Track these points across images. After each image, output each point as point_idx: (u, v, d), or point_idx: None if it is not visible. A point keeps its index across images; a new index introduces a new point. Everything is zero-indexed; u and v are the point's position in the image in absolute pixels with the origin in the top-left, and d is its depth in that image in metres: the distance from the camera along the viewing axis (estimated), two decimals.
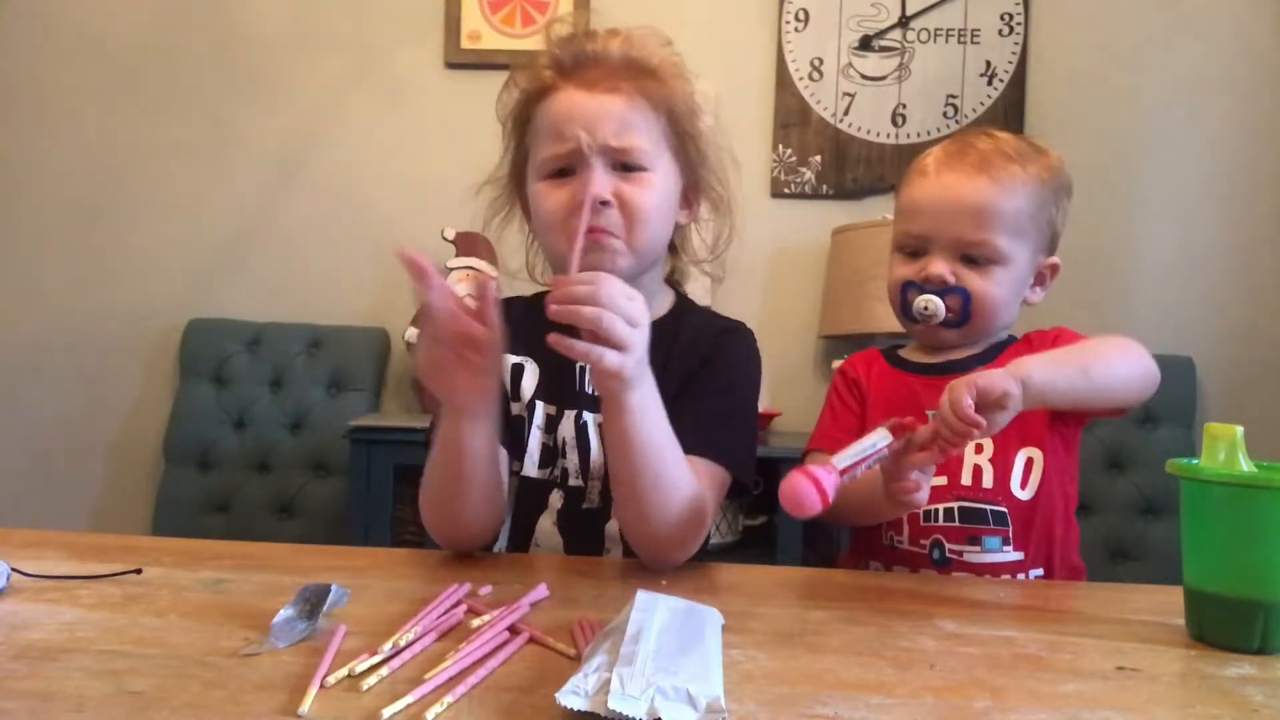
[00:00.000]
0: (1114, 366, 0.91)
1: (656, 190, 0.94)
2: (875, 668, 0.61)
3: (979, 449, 0.99)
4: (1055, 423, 1.00)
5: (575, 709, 0.51)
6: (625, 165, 0.93)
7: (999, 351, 1.04)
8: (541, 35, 1.00)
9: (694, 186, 1.01)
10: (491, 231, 1.07)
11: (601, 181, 0.91)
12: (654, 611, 0.63)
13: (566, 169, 0.93)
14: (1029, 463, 0.98)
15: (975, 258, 0.99)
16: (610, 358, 0.72)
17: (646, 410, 0.79)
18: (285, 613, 0.64)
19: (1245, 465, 0.70)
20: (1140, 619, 0.74)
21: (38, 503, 2.33)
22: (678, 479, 0.83)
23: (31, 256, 2.35)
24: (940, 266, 0.99)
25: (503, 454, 0.97)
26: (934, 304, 1.00)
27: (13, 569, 0.75)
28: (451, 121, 2.24)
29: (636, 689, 0.51)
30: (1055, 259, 1.05)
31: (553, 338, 0.73)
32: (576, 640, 0.63)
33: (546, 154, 0.94)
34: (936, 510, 0.97)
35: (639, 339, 0.74)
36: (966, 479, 0.98)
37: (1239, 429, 0.70)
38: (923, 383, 1.03)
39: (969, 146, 1.02)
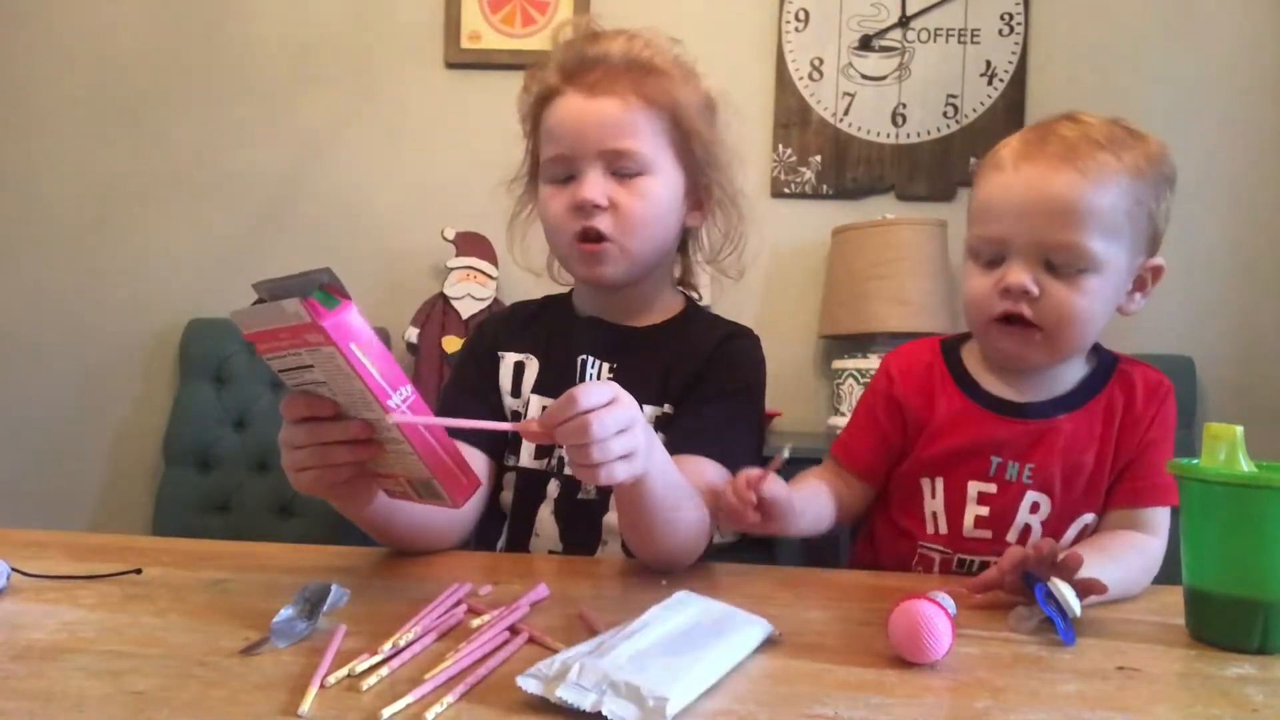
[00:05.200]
0: (1131, 590, 0.83)
1: (653, 195, 0.95)
2: (875, 668, 0.60)
3: (1035, 509, 0.92)
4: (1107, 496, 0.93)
5: (529, 691, 0.51)
6: (622, 170, 0.93)
7: (1091, 392, 0.93)
8: (548, 36, 1.01)
9: (703, 188, 1.01)
10: (518, 227, 1.07)
11: (595, 186, 0.92)
12: (681, 611, 0.63)
13: (566, 175, 0.95)
14: (1084, 529, 0.92)
15: (1060, 265, 0.85)
16: (621, 471, 0.68)
17: (654, 478, 0.75)
18: (285, 613, 0.64)
19: (1245, 465, 0.70)
20: (1140, 619, 0.74)
21: (38, 503, 2.32)
22: (685, 513, 0.82)
23: (32, 256, 2.35)
24: (1021, 274, 0.86)
25: (478, 455, 0.98)
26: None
27: (13, 569, 0.75)
28: (451, 121, 2.24)
29: (590, 680, 0.51)
30: (1158, 260, 0.91)
31: (581, 473, 0.68)
32: (591, 623, 0.65)
33: (548, 158, 0.96)
34: (974, 562, 0.93)
35: (639, 439, 0.69)
36: (1012, 537, 0.92)
37: (1239, 429, 0.70)
38: (997, 423, 0.93)
39: (1051, 133, 0.88)
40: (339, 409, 0.71)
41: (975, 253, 0.92)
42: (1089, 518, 0.93)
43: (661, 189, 0.95)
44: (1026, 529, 0.92)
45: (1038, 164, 0.86)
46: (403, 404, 0.67)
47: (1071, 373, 0.95)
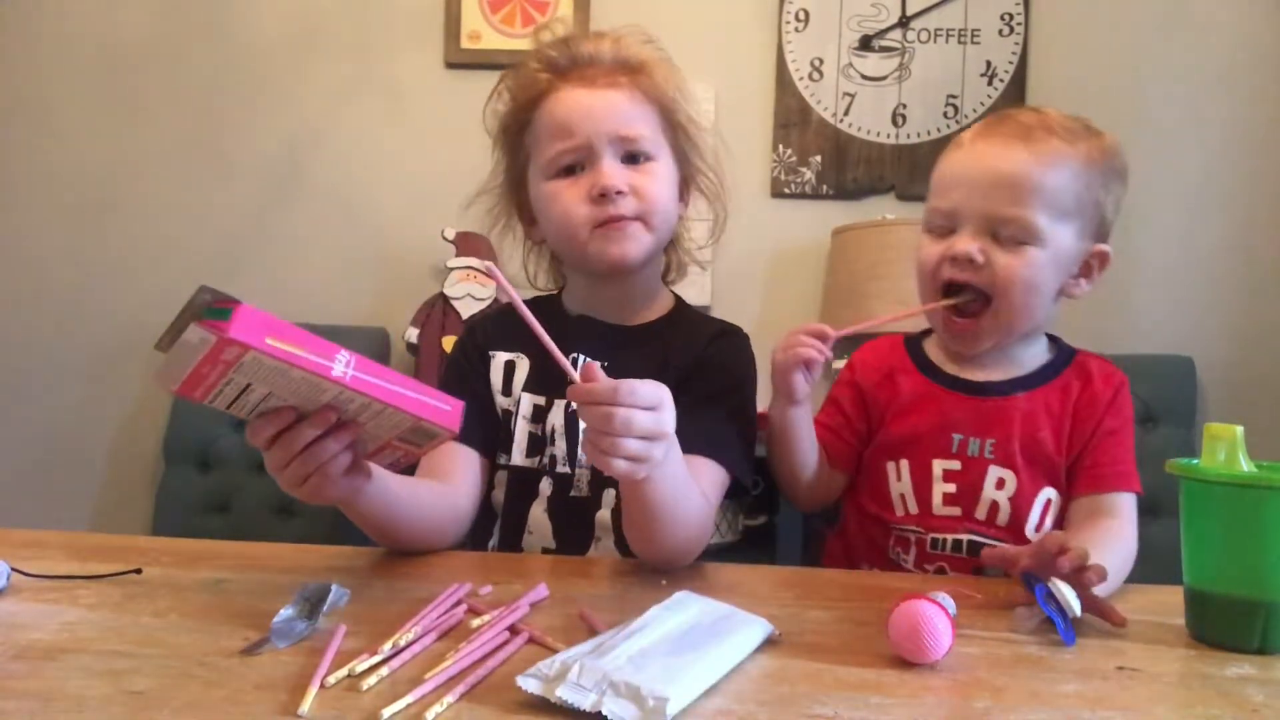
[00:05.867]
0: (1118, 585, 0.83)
1: (664, 177, 0.97)
2: (875, 668, 0.60)
3: (1000, 484, 0.94)
4: (1065, 475, 0.96)
5: (529, 691, 0.51)
6: (633, 155, 0.95)
7: (1048, 376, 0.97)
8: (531, 39, 1.03)
9: (687, 178, 1.03)
10: (492, 240, 1.08)
11: (615, 173, 0.93)
12: (681, 611, 0.63)
13: (575, 165, 0.95)
14: (1047, 504, 0.95)
15: (1006, 237, 0.90)
16: (619, 467, 0.68)
17: (660, 483, 0.75)
18: (285, 613, 0.64)
19: (1245, 465, 0.70)
20: (1140, 619, 0.74)
21: (38, 503, 2.33)
22: (690, 511, 0.82)
23: (32, 256, 2.35)
24: (968, 243, 0.90)
25: (471, 454, 0.98)
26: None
27: (13, 569, 0.75)
28: (451, 121, 2.23)
29: (590, 680, 0.51)
30: (1104, 247, 0.95)
31: (588, 449, 0.69)
32: (592, 623, 0.65)
33: (553, 152, 0.95)
34: (945, 540, 0.95)
35: (655, 451, 0.69)
36: (981, 513, 0.95)
37: (1239, 429, 0.70)
38: (957, 401, 0.97)
39: (1010, 118, 0.93)
40: (299, 411, 0.70)
41: (929, 225, 0.96)
42: (1051, 493, 0.95)
43: (668, 171, 0.98)
44: (994, 505, 0.95)
45: (992, 142, 0.91)
46: (347, 368, 0.65)
47: (1029, 359, 0.99)
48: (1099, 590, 0.72)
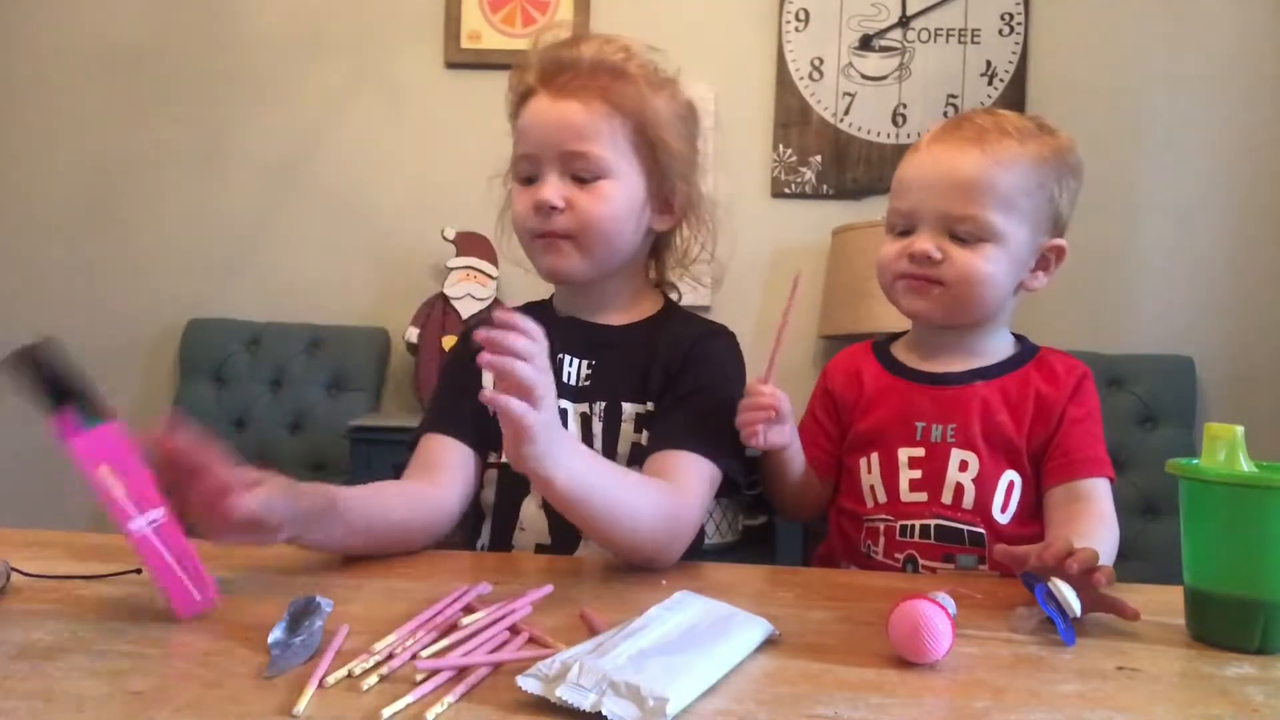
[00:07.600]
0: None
1: (611, 198, 0.96)
2: (875, 668, 0.60)
3: (964, 466, 0.96)
4: (1028, 460, 0.97)
5: (529, 691, 0.51)
6: (579, 173, 0.95)
7: (1009, 369, 0.99)
8: (531, 38, 1.04)
9: (670, 192, 1.01)
10: (505, 222, 1.08)
11: (552, 189, 0.94)
12: (681, 611, 0.63)
13: (531, 175, 0.97)
14: (1010, 486, 0.96)
15: (963, 234, 0.93)
16: (514, 406, 0.67)
17: (573, 474, 0.75)
18: (279, 637, 0.61)
19: (1245, 465, 0.70)
20: (1140, 619, 0.74)
21: (38, 503, 2.32)
22: (634, 505, 0.82)
23: (32, 256, 2.35)
24: (926, 242, 0.94)
25: (464, 450, 0.99)
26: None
27: (13, 569, 0.75)
28: (451, 121, 2.24)
29: (590, 680, 0.51)
30: (1060, 241, 0.98)
31: (483, 395, 0.69)
32: (592, 623, 0.65)
33: (515, 157, 0.99)
34: (913, 526, 0.96)
35: (542, 384, 0.69)
36: (947, 498, 0.96)
37: (1239, 429, 0.70)
38: (919, 391, 1.00)
39: (966, 121, 0.97)
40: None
41: (890, 225, 1.00)
42: (1013, 475, 0.96)
43: (621, 192, 0.96)
44: (959, 488, 0.96)
45: (947, 145, 0.95)
46: (147, 527, 0.69)
47: (990, 351, 1.01)
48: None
